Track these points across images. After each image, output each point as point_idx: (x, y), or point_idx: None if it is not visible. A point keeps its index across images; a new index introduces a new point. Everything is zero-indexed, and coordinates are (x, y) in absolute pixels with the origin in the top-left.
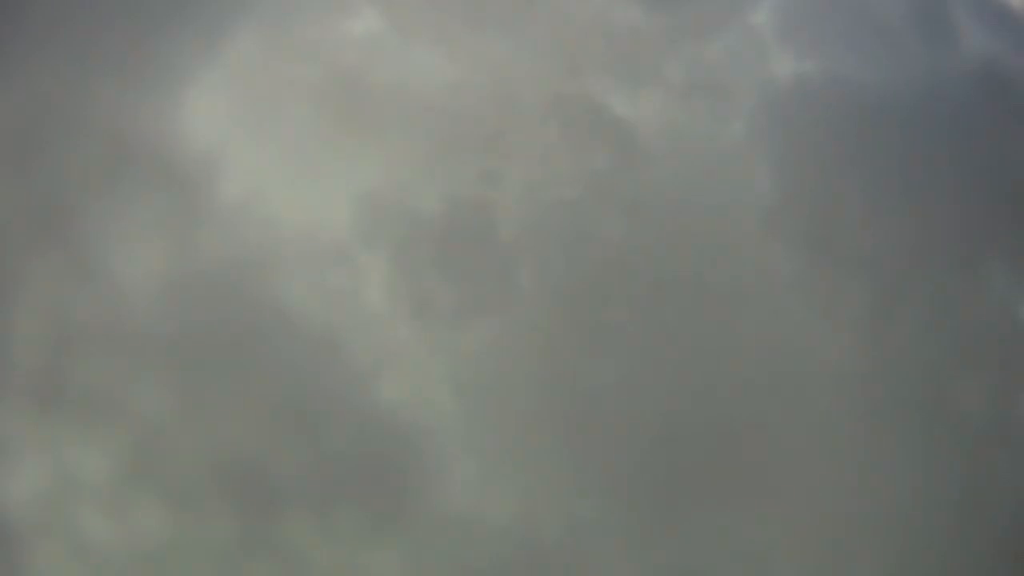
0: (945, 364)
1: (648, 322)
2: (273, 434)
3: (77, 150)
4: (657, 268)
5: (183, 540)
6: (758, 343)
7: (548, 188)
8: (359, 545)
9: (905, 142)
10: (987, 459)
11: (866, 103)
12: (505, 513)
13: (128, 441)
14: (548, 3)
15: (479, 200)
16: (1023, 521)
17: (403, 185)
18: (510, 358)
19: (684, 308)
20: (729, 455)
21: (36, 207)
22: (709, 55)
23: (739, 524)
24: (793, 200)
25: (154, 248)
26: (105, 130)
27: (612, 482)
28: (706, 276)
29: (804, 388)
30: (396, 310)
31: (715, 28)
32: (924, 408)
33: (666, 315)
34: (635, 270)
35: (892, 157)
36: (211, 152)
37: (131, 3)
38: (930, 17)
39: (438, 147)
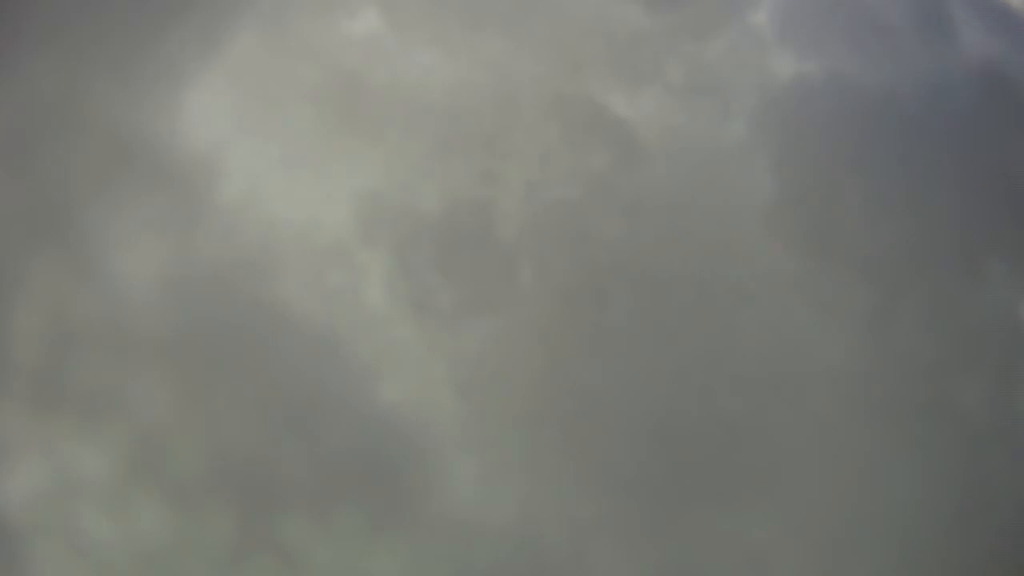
0: (945, 364)
1: (648, 322)
2: (273, 434)
3: (77, 150)
4: (657, 268)
5: (183, 540)
6: (758, 343)
7: (548, 188)
8: (359, 545)
9: (905, 142)
10: (987, 459)
11: (866, 103)
12: (505, 513)
13: (128, 441)
14: (548, 3)
15: (479, 200)
16: (1022, 521)
17: (403, 185)
18: (510, 358)
19: (684, 308)
20: (729, 455)
21: (36, 207)
22: (709, 55)
23: (739, 524)
24: (793, 200)
25: (154, 248)
26: (105, 130)
27: (612, 482)
28: (706, 276)
29: (804, 388)
30: (396, 310)
31: (715, 28)
32: (924, 408)
33: (666, 315)
34: (635, 270)
35: (892, 157)
36: (211, 152)
37: (131, 3)
38: (930, 17)
39: (438, 147)
